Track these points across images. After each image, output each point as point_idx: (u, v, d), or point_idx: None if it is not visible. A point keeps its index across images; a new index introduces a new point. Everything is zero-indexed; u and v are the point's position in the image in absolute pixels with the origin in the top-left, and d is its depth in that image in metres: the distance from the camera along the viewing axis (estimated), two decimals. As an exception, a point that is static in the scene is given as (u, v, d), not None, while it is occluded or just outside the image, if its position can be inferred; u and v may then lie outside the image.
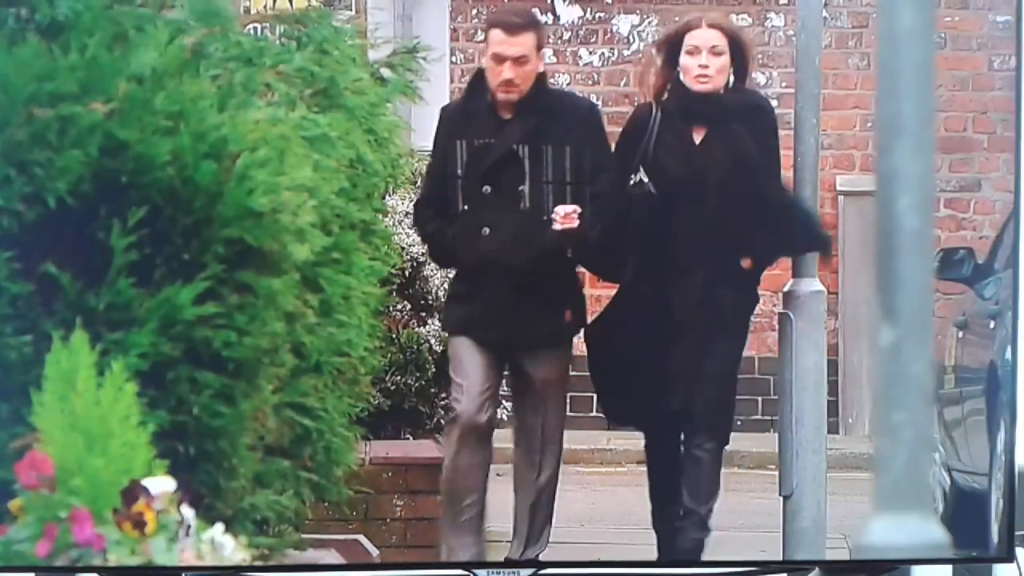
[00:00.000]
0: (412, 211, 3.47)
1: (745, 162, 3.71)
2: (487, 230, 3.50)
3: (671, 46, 3.80)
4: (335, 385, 2.73)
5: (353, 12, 3.14)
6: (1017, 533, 3.32)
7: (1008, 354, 3.12)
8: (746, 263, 3.73)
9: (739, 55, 3.74)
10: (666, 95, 3.71)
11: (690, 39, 3.73)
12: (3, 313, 2.30)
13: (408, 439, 3.78)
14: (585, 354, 3.76)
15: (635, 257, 3.66)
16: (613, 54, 7.45)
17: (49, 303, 2.32)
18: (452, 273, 3.67)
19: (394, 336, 3.66)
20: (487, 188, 3.49)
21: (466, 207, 3.51)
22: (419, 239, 3.70)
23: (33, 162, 2.29)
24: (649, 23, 7.02)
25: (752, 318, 3.80)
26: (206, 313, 2.30)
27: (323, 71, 2.68)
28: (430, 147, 3.48)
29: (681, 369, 3.65)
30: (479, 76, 3.57)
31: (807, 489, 3.66)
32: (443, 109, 3.58)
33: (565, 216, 3.53)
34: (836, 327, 6.94)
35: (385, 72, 3.13)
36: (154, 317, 2.30)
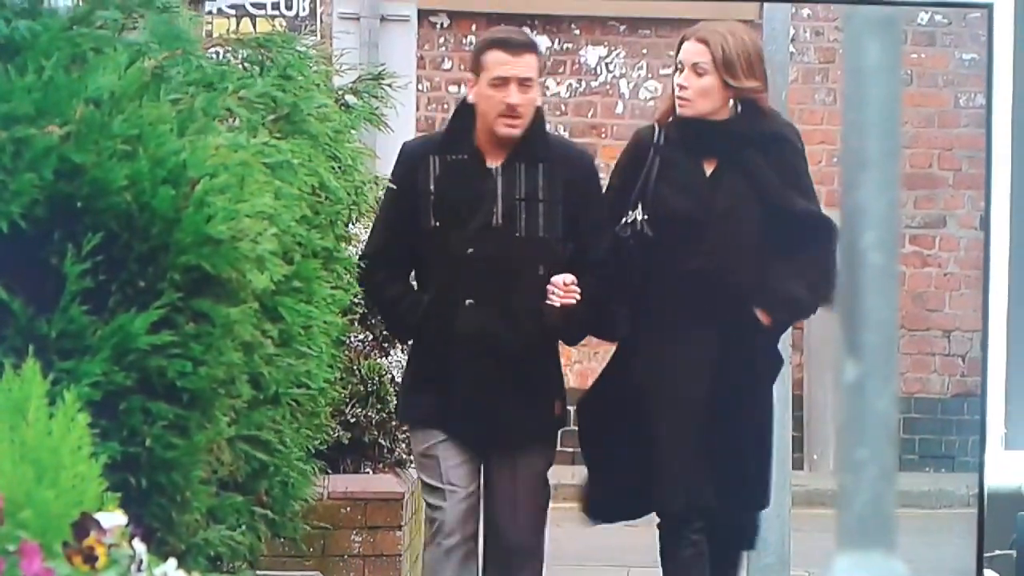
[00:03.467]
0: (360, 266, 2.94)
1: (763, 200, 3.04)
2: (470, 302, 2.92)
3: (674, 62, 3.19)
4: (293, 417, 2.69)
5: (318, 37, 3.11)
6: (986, 555, 3.32)
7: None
8: (763, 318, 3.04)
9: (734, 76, 3.07)
10: (671, 119, 3.16)
11: (680, 53, 3.15)
12: (-47, 339, 2.25)
13: (368, 473, 3.73)
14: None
15: (629, 311, 3.02)
16: (581, 85, 7.46)
17: (0, 329, 2.28)
18: (412, 350, 3.05)
19: (355, 367, 3.58)
20: (471, 250, 2.93)
21: (442, 272, 2.93)
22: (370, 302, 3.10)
23: (-14, 185, 2.25)
24: (617, 55, 7.02)
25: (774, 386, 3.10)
26: (161, 342, 2.26)
27: (286, 97, 2.65)
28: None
29: (694, 456, 2.93)
30: (464, 111, 3.04)
31: (772, 526, 3.64)
32: (406, 146, 3.08)
33: (565, 289, 2.93)
34: (802, 361, 6.96)
35: (350, 99, 3.11)
36: (107, 345, 2.26)
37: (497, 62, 3.04)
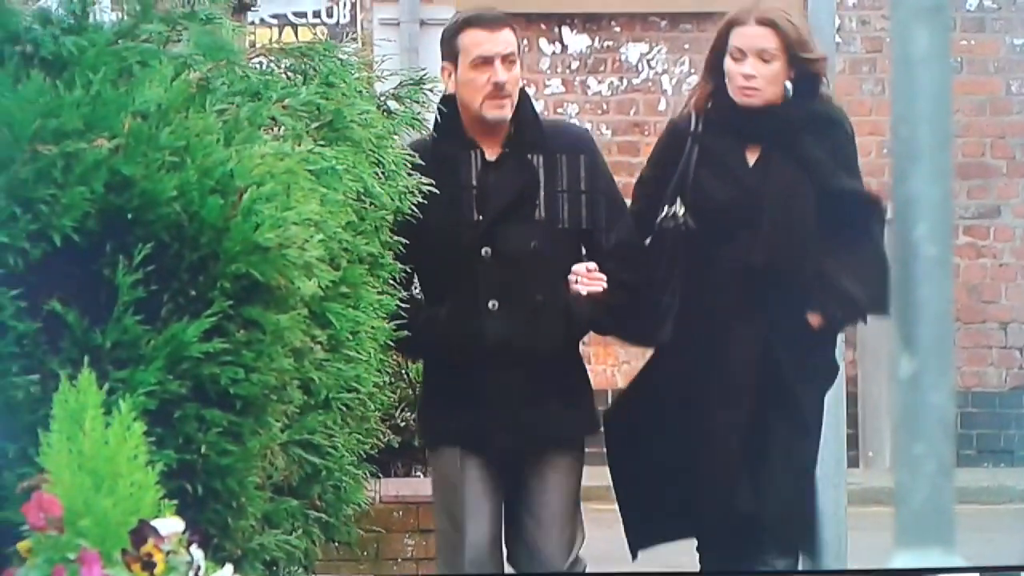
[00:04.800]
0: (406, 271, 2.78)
1: (815, 188, 2.78)
2: (495, 304, 2.71)
3: (715, 46, 2.91)
4: (344, 422, 2.70)
5: (359, 45, 3.11)
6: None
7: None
8: (815, 319, 2.78)
9: (800, 60, 2.83)
10: (710, 105, 2.89)
11: (735, 38, 2.86)
12: (9, 352, 2.29)
13: (419, 476, 3.74)
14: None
15: (672, 313, 2.76)
16: (622, 83, 7.41)
17: (55, 341, 2.31)
18: (428, 366, 2.86)
19: (403, 371, 3.57)
20: (487, 251, 2.73)
21: (458, 278, 2.74)
22: None
23: (38, 199, 2.28)
24: (659, 51, 6.96)
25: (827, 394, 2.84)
26: (213, 350, 2.29)
27: (329, 104, 2.67)
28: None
29: (738, 466, 2.69)
30: (448, 106, 2.84)
31: (827, 525, 3.60)
32: (408, 147, 2.88)
33: (589, 276, 2.73)
34: (855, 358, 6.86)
35: (392, 104, 3.11)
36: (161, 354, 2.29)
37: (475, 42, 2.84)
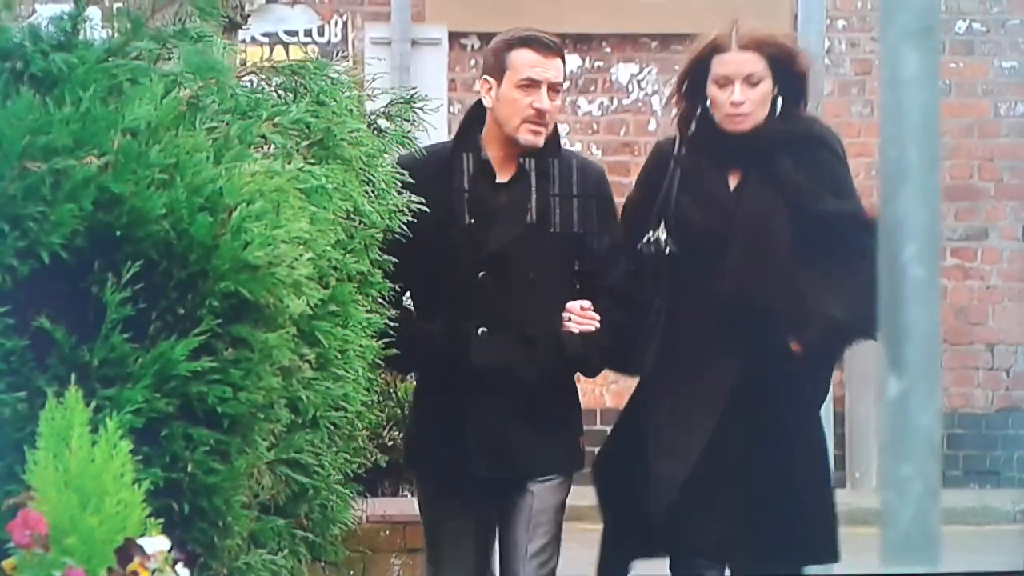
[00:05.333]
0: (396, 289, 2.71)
1: (795, 212, 2.69)
2: (484, 330, 2.65)
3: (695, 68, 2.82)
4: (332, 441, 2.70)
5: (350, 63, 3.11)
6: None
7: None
8: (796, 345, 2.71)
9: (787, 74, 2.75)
10: (693, 127, 2.82)
11: (718, 66, 2.76)
12: (-3, 369, 2.28)
13: (407, 496, 3.72)
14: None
15: (654, 340, 2.69)
16: (612, 103, 7.44)
17: (42, 359, 2.30)
18: (417, 390, 2.81)
19: (392, 390, 3.56)
20: (483, 275, 2.65)
21: (453, 299, 2.68)
22: None
23: (26, 216, 2.28)
24: (649, 72, 7.00)
25: (820, 417, 2.75)
26: (201, 368, 2.28)
27: (320, 122, 2.67)
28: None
29: (729, 506, 2.60)
30: (474, 117, 2.79)
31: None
32: (401, 161, 2.81)
33: (582, 315, 2.66)
34: (842, 378, 6.86)
35: (383, 123, 3.12)
36: (148, 373, 2.28)
37: (527, 63, 2.76)
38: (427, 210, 2.66)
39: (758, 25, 2.82)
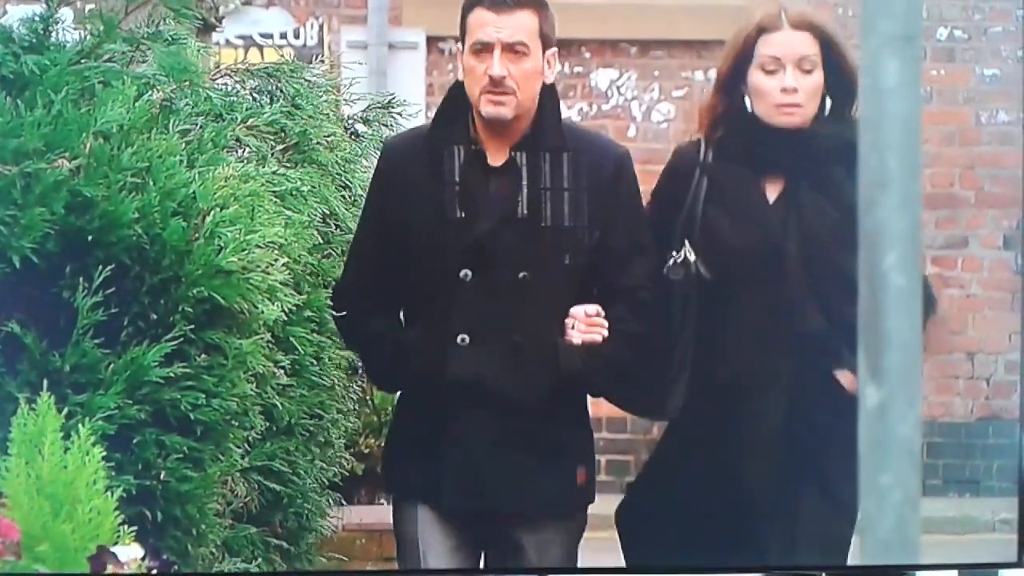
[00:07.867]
0: (331, 300, 2.31)
1: (845, 229, 2.15)
2: (465, 339, 2.15)
3: (736, 58, 2.31)
4: (307, 448, 2.67)
5: (327, 66, 3.09)
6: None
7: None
8: (846, 378, 2.28)
9: (838, 68, 2.28)
10: (722, 131, 2.32)
11: (766, 46, 2.27)
12: (-34, 375, 2.25)
13: (383, 504, 3.70)
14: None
15: (684, 380, 2.24)
16: (592, 109, 7.45)
17: (13, 364, 2.28)
18: (398, 405, 2.30)
19: (368, 398, 3.53)
20: (466, 273, 2.15)
21: (432, 302, 2.18)
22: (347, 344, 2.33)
23: (-4, 220, 2.25)
24: (628, 78, 7.02)
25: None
26: (173, 374, 2.25)
27: (295, 125, 2.64)
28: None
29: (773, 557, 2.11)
30: (456, 95, 2.27)
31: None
32: (388, 145, 2.36)
33: (588, 322, 2.16)
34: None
35: (360, 127, 3.09)
36: (120, 379, 2.25)
37: (479, 23, 2.23)
38: (411, 190, 2.20)
39: (795, 6, 2.33)
